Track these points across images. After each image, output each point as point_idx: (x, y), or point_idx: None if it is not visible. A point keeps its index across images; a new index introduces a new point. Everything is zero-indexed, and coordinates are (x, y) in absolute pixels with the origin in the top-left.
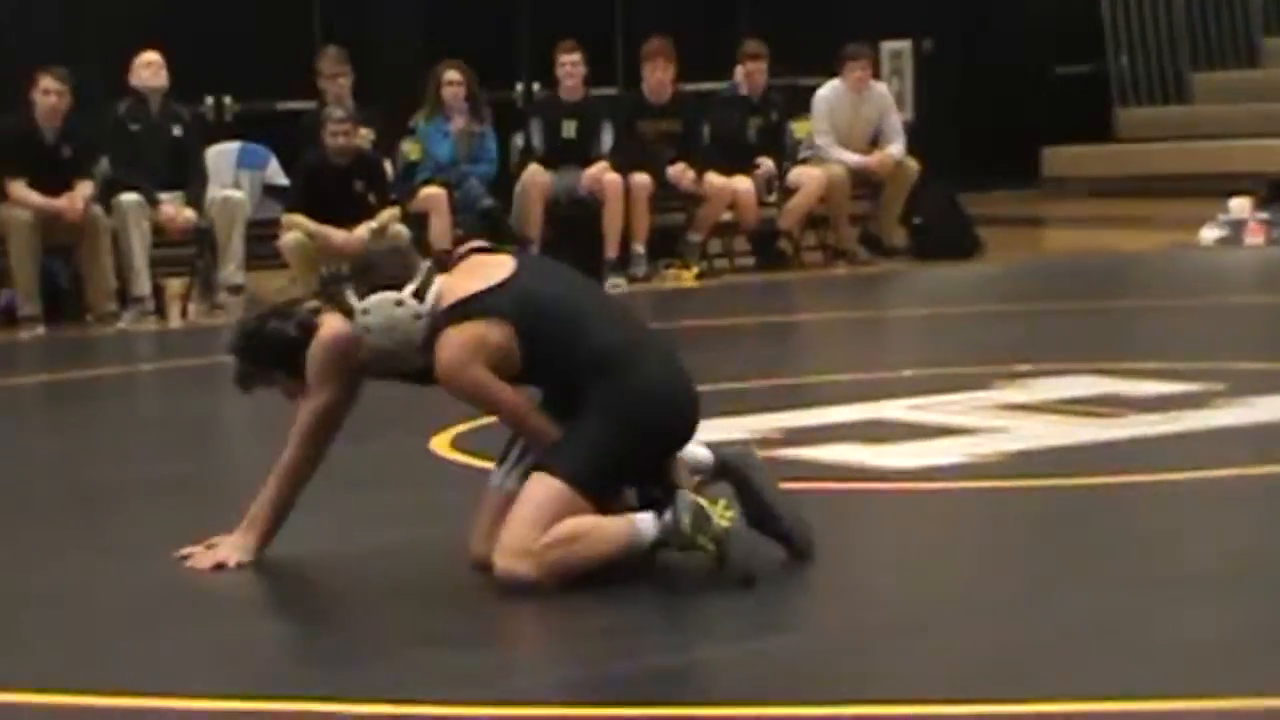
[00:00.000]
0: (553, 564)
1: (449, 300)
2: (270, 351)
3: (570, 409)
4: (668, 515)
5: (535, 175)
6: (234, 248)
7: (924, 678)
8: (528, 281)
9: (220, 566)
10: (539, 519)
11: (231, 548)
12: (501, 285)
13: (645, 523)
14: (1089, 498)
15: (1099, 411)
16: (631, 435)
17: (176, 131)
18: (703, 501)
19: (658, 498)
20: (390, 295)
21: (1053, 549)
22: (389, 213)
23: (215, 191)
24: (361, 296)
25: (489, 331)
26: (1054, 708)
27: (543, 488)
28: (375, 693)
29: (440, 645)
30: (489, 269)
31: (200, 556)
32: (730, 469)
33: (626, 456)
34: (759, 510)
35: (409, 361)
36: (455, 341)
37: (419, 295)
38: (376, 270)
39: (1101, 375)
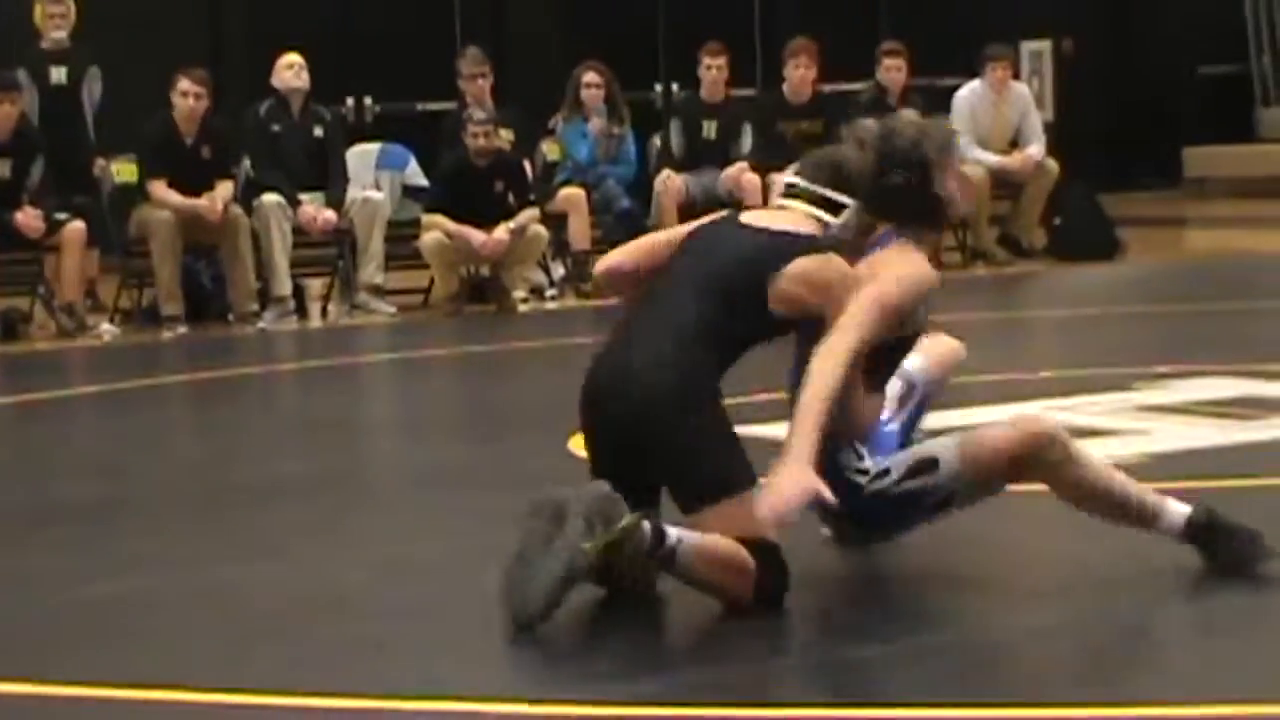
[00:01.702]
0: None
1: None
2: None
3: None
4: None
5: (668, 180)
6: (374, 248)
7: (1058, 679)
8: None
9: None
10: None
11: (796, 485)
12: None
13: None
14: (1229, 500)
15: (1240, 413)
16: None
17: (318, 132)
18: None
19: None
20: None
21: (1194, 551)
22: (528, 213)
23: (355, 192)
24: None
25: None
26: (1186, 711)
27: None
28: (512, 692)
29: (577, 645)
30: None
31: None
32: None
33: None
34: None
35: None
36: None
37: None
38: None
39: (1242, 377)
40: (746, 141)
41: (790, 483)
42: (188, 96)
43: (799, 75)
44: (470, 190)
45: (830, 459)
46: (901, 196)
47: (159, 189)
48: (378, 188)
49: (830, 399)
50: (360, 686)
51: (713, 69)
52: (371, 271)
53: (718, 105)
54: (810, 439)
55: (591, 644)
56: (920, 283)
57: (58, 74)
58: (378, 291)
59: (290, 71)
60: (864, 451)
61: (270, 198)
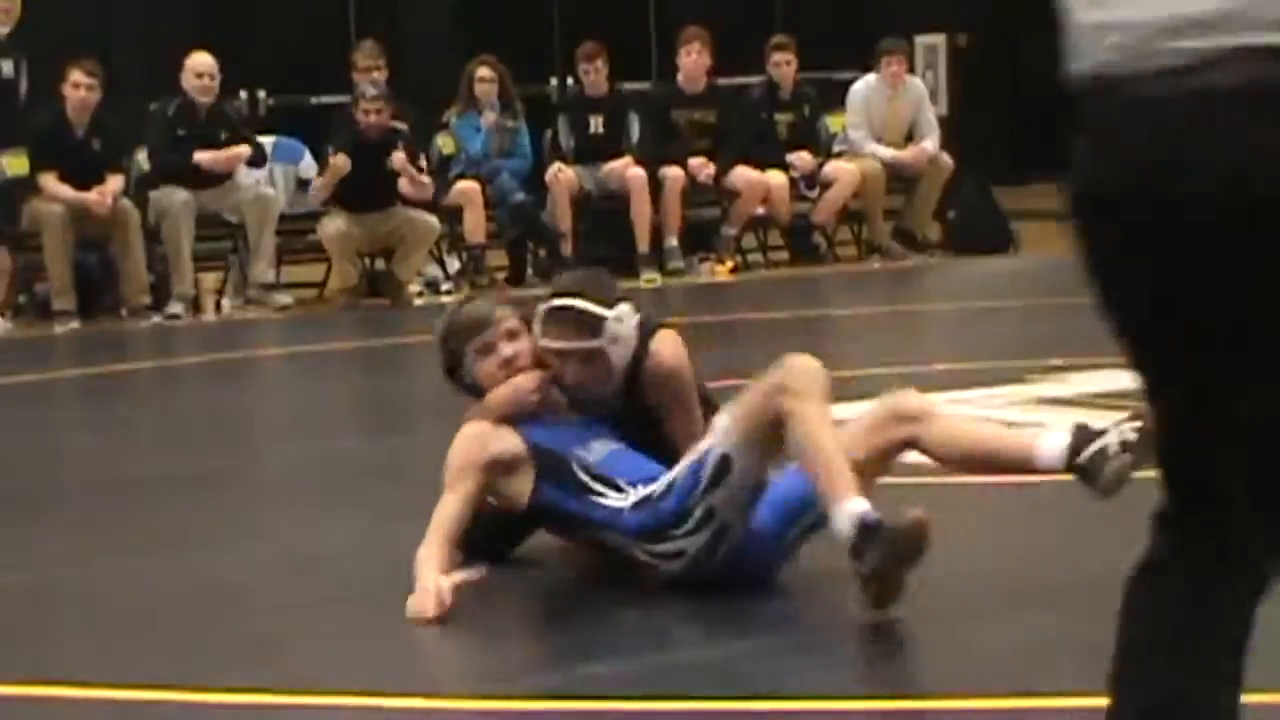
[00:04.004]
0: None
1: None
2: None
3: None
4: None
5: (559, 174)
6: (265, 247)
7: (943, 673)
8: None
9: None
10: None
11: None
12: None
13: None
14: (1123, 492)
15: (1134, 406)
16: None
17: (223, 137)
18: None
19: None
20: (629, 308)
21: (1087, 543)
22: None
23: (246, 180)
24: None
25: None
26: (1077, 703)
27: None
28: (409, 686)
29: (471, 641)
30: None
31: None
32: None
33: None
34: None
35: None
36: (676, 340)
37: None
38: (604, 285)
39: None
40: (634, 134)
41: (428, 596)
42: (79, 88)
43: (691, 62)
44: (363, 166)
45: (574, 519)
46: (450, 377)
47: (49, 182)
48: (271, 181)
49: (448, 535)
50: (257, 681)
51: (590, 72)
52: (262, 269)
53: (603, 99)
54: (430, 568)
55: (485, 640)
56: (457, 458)
57: (7, 67)
58: (269, 289)
59: (200, 81)
60: (602, 489)
61: (173, 190)
